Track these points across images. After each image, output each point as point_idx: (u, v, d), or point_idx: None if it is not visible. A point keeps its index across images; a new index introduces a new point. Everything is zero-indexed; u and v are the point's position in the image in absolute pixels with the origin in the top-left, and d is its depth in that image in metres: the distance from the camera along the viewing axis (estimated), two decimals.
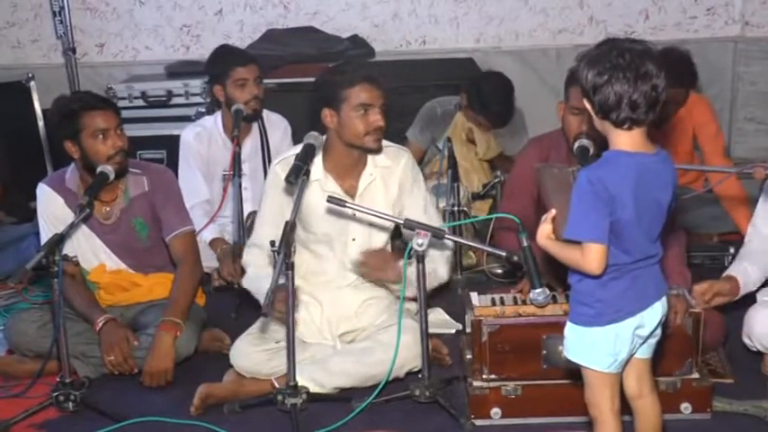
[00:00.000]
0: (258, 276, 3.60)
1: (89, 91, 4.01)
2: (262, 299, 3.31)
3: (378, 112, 3.51)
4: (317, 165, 3.60)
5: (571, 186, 2.51)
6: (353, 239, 3.68)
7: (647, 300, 2.58)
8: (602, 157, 2.52)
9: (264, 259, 3.63)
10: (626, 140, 2.50)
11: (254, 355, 3.52)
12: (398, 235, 3.85)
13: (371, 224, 3.64)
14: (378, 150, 3.60)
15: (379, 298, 3.72)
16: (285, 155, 3.69)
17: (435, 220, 3.69)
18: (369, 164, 3.65)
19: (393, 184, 3.67)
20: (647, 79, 2.43)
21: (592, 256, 2.46)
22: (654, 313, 2.59)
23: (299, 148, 3.49)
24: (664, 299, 2.62)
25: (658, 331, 2.66)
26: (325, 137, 3.59)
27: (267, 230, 3.56)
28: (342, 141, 3.57)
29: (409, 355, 3.44)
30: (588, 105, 2.54)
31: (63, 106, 3.74)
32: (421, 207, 3.70)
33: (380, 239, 3.72)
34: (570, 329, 2.64)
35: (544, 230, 2.59)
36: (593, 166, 2.49)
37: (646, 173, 2.49)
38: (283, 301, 3.23)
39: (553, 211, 2.61)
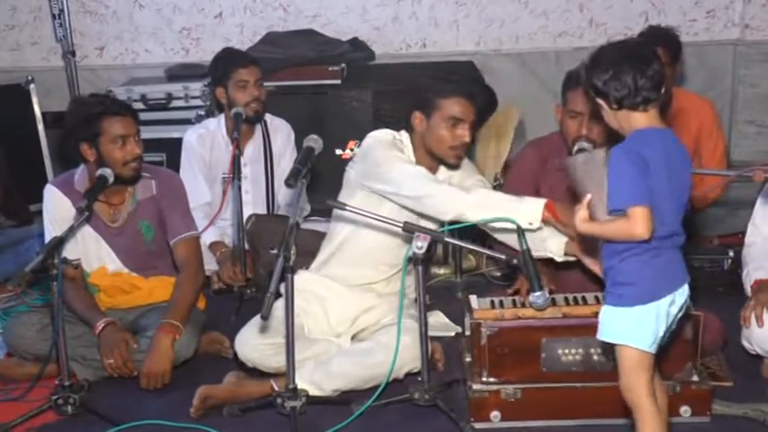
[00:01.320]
0: None
1: (108, 95, 4.02)
2: None
3: (466, 128, 3.56)
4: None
5: (602, 165, 2.61)
6: None
7: (678, 280, 2.70)
8: (629, 136, 2.65)
9: None
10: (645, 120, 2.65)
11: (259, 346, 3.54)
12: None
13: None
14: (455, 167, 3.66)
15: (388, 297, 3.73)
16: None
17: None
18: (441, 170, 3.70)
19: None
20: (647, 62, 2.64)
21: (638, 220, 2.54)
22: (683, 293, 2.71)
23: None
24: (686, 285, 2.72)
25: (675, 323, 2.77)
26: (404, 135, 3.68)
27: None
28: (424, 146, 3.62)
29: (408, 357, 3.44)
30: (603, 103, 2.70)
31: (83, 109, 3.74)
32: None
33: (400, 240, 3.68)
34: (610, 312, 2.71)
35: (581, 216, 2.66)
36: (624, 142, 2.64)
37: (671, 146, 2.65)
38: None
39: (588, 197, 2.65)
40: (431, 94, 3.59)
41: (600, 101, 2.69)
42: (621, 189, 2.56)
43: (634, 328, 2.66)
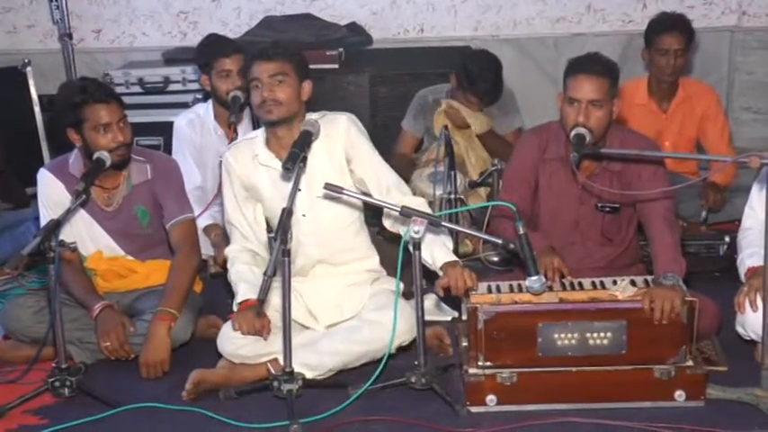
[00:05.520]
0: (239, 277, 3.62)
1: (96, 79, 3.99)
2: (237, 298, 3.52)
3: (265, 84, 3.49)
4: (262, 146, 3.62)
5: None
6: (303, 215, 3.62)
7: None
8: None
9: (246, 255, 3.68)
10: None
11: (239, 340, 3.48)
12: (376, 214, 3.78)
13: (317, 197, 3.57)
14: (273, 123, 3.55)
15: (359, 283, 3.71)
16: (235, 142, 3.77)
17: (393, 177, 3.65)
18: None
19: (338, 150, 3.62)
20: None
21: None
22: None
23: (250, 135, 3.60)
24: None
25: None
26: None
27: (239, 220, 3.69)
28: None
29: (401, 330, 3.42)
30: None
31: (68, 95, 3.73)
32: (375, 167, 3.63)
33: (331, 213, 3.65)
34: None
35: None
36: None
37: None
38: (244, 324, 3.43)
39: None
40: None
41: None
42: None
43: None
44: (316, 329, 3.66)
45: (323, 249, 3.70)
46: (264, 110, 3.51)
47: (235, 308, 3.55)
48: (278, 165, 3.54)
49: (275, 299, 3.49)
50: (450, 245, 3.58)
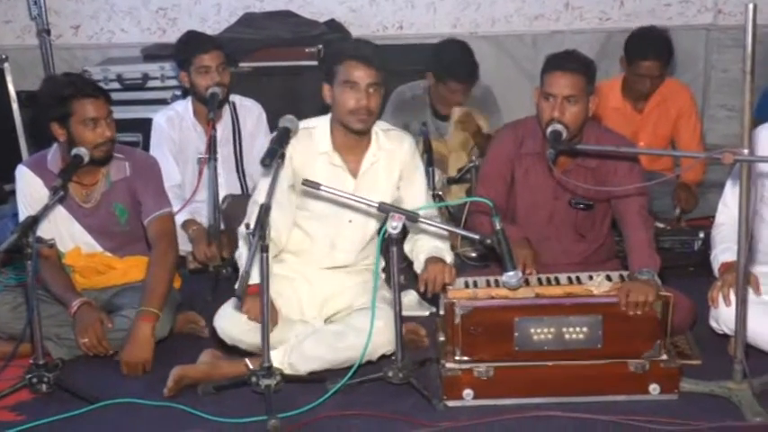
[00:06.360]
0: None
1: (82, 75, 3.99)
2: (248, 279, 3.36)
3: (363, 90, 3.47)
4: (325, 139, 3.60)
5: None
6: (350, 221, 3.67)
7: None
8: None
9: None
10: None
11: (240, 322, 3.47)
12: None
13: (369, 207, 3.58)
14: (361, 131, 3.56)
15: (365, 282, 3.72)
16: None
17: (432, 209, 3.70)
18: (372, 144, 3.63)
19: (395, 167, 3.65)
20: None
21: None
22: None
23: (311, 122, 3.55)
24: None
25: None
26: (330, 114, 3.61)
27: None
28: (336, 119, 3.58)
29: (382, 340, 3.45)
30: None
31: (55, 88, 3.72)
32: (421, 193, 3.70)
33: (375, 224, 3.70)
34: None
35: None
36: None
37: None
38: (252, 310, 3.36)
39: None
40: (329, 63, 3.58)
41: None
42: None
43: None
44: (310, 323, 3.64)
45: (352, 256, 3.73)
46: (357, 117, 3.48)
47: (237, 288, 3.32)
48: (344, 165, 3.59)
49: (275, 288, 3.48)
50: (444, 245, 3.62)
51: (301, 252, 3.74)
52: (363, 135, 3.58)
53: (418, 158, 3.76)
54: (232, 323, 3.53)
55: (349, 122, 3.52)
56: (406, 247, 3.64)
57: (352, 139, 3.59)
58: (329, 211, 3.64)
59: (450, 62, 4.91)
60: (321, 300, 3.70)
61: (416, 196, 3.65)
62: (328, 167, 3.59)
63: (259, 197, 3.62)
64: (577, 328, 3.26)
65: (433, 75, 4.97)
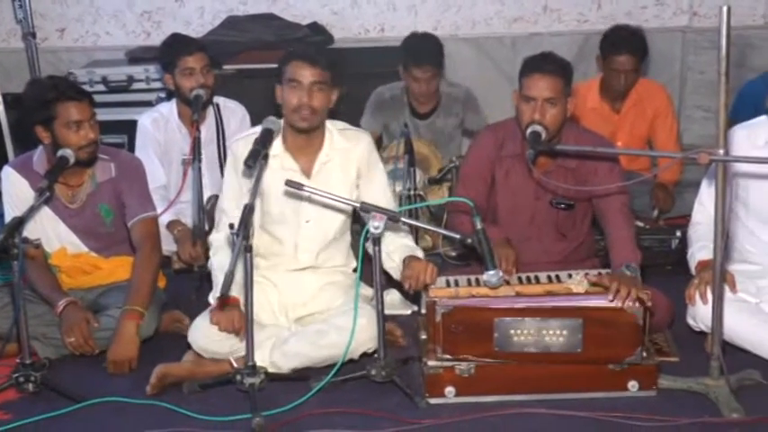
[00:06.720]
0: (221, 268, 3.54)
1: (66, 78, 4.01)
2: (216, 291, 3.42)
3: (306, 88, 3.50)
4: (277, 142, 3.61)
5: None
6: (307, 221, 3.70)
7: None
8: None
9: (229, 246, 3.64)
10: None
11: (213, 334, 3.51)
12: (359, 218, 3.88)
13: (326, 206, 3.65)
14: (305, 130, 3.58)
15: (336, 283, 3.76)
16: (245, 134, 3.72)
17: (392, 206, 3.72)
18: (326, 144, 3.66)
19: (351, 166, 3.69)
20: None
21: None
22: None
23: (257, 129, 3.52)
24: None
25: None
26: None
27: (232, 210, 3.58)
28: (285, 120, 3.61)
29: (364, 338, 3.48)
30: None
31: (39, 92, 3.74)
32: (380, 191, 3.71)
33: (334, 222, 3.74)
34: None
35: None
36: None
37: None
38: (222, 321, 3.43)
39: None
40: (279, 65, 3.61)
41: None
42: None
43: None
44: (282, 326, 3.67)
45: (315, 256, 3.75)
46: (299, 115, 3.51)
47: (211, 299, 3.54)
48: (295, 167, 3.61)
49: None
50: (413, 243, 3.66)
51: (270, 255, 3.77)
52: (311, 134, 3.61)
53: (376, 156, 3.78)
54: (205, 337, 3.53)
55: (293, 121, 3.56)
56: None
57: (302, 139, 3.62)
58: (287, 212, 3.68)
59: (411, 49, 5.01)
60: (290, 303, 3.72)
61: (376, 194, 3.65)
62: (280, 171, 3.60)
63: (223, 204, 3.71)
64: (557, 332, 3.27)
65: (403, 68, 5.03)
